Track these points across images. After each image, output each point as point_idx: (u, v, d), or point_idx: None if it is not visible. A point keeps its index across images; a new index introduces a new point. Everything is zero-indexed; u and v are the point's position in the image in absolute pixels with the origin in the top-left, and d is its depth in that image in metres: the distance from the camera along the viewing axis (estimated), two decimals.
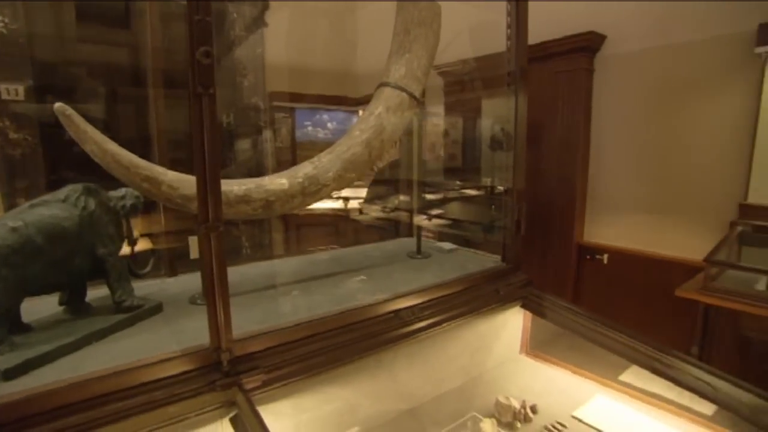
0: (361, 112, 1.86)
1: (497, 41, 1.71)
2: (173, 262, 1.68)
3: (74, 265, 1.07)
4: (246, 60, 3.65)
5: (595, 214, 3.42)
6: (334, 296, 1.39)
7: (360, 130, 1.47)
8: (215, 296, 0.98)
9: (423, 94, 1.61)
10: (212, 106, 0.93)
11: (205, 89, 0.91)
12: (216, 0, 0.92)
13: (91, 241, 1.09)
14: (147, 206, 1.29)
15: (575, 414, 1.37)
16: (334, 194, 1.57)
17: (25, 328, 1.04)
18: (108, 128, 1.08)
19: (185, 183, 1.19)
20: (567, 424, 1.32)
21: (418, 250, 1.91)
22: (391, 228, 3.47)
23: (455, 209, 3.56)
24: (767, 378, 1.98)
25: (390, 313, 1.34)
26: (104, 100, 3.05)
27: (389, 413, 1.36)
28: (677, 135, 2.92)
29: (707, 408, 1.27)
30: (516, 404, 1.33)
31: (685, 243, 2.88)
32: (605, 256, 3.32)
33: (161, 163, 1.20)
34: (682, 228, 2.94)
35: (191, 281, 1.43)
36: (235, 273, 1.52)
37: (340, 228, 4.41)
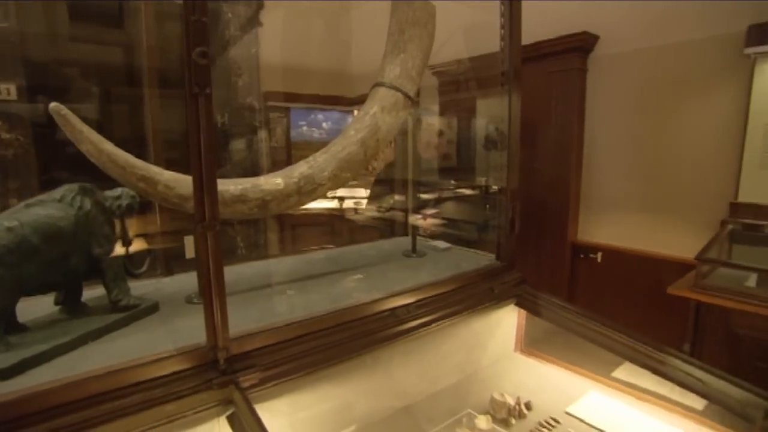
0: (356, 112, 1.87)
1: (491, 41, 1.73)
2: (169, 261, 1.68)
3: (70, 264, 1.07)
4: (241, 60, 3.64)
5: (588, 213, 3.45)
6: (330, 295, 1.40)
7: (355, 130, 1.48)
8: (212, 295, 0.98)
9: (418, 94, 1.62)
10: (208, 106, 0.93)
11: (202, 89, 0.92)
12: (211, 0, 0.93)
13: (87, 241, 1.09)
14: (142, 206, 1.29)
15: (569, 410, 1.38)
16: (330, 194, 1.58)
17: (21, 328, 1.04)
18: (102, 128, 1.07)
19: (181, 183, 1.19)
20: (561, 420, 1.33)
21: (413, 249, 1.92)
22: (387, 227, 3.49)
23: (450, 209, 3.58)
24: (757, 373, 2.02)
25: (386, 311, 1.35)
26: (98, 99, 3.04)
27: (385, 411, 1.37)
28: (669, 134, 2.95)
29: (698, 403, 1.30)
30: (511, 401, 1.35)
31: (677, 241, 2.91)
32: (599, 255, 3.36)
33: (157, 163, 1.20)
34: (674, 226, 2.97)
35: (187, 281, 1.43)
36: (231, 272, 1.52)
37: (336, 228, 4.41)
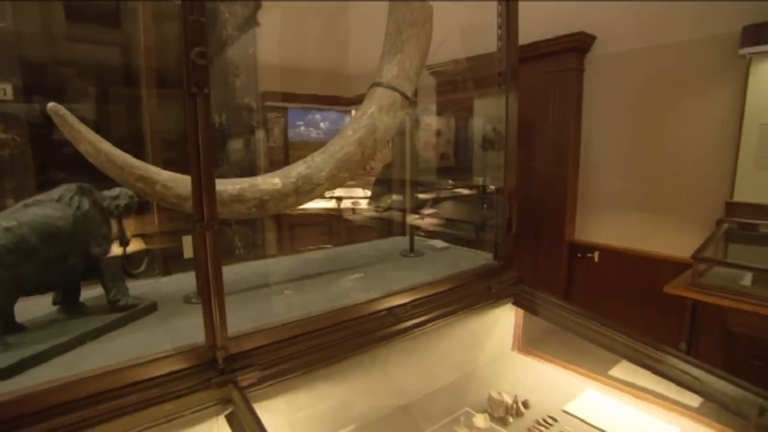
0: (353, 112, 1.87)
1: (488, 41, 1.73)
2: (167, 261, 1.68)
3: (68, 264, 1.07)
4: (238, 60, 3.64)
5: (585, 212, 3.46)
6: (328, 294, 1.40)
7: (353, 130, 1.49)
8: (210, 294, 0.99)
9: (415, 94, 1.62)
10: (207, 106, 0.93)
11: (200, 89, 0.92)
12: (209, 0, 0.93)
13: (86, 241, 1.09)
14: (140, 207, 1.29)
15: (566, 408, 1.39)
16: (327, 194, 1.58)
17: (19, 328, 1.04)
18: (99, 128, 1.08)
19: (179, 182, 1.19)
20: (558, 418, 1.34)
21: (411, 249, 1.92)
22: (384, 227, 3.49)
23: (448, 208, 3.59)
24: (752, 371, 2.03)
25: (383, 310, 1.35)
26: (95, 99, 3.03)
27: (383, 410, 1.38)
28: (665, 134, 2.96)
29: (694, 400, 1.31)
30: (508, 399, 1.35)
31: (674, 240, 2.93)
32: (596, 254, 3.37)
33: (154, 163, 1.21)
34: (670, 226, 2.99)
35: (185, 280, 1.43)
36: (229, 272, 1.52)
37: (333, 227, 4.42)
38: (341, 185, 1.54)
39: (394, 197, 3.22)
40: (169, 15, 3.14)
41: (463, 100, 3.91)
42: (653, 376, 1.32)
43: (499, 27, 1.67)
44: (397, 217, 2.90)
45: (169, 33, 3.11)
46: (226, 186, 1.26)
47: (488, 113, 3.42)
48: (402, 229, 2.49)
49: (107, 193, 1.19)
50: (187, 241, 1.31)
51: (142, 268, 1.33)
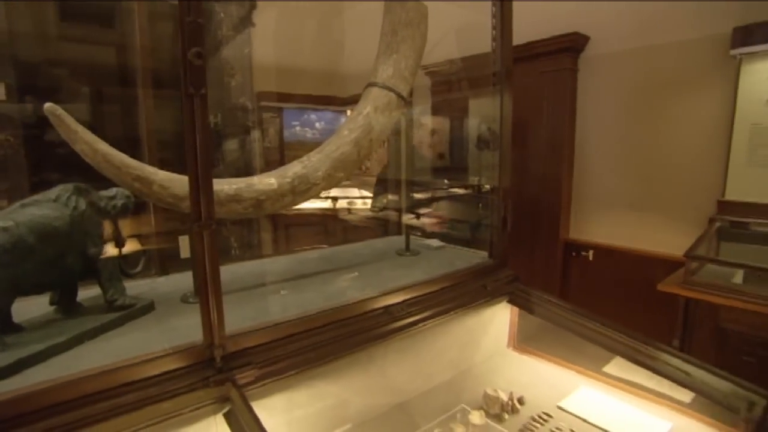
0: (349, 112, 1.88)
1: (483, 42, 1.75)
2: (164, 262, 1.69)
3: (66, 264, 1.07)
4: (233, 60, 3.63)
5: (580, 211, 3.49)
6: (325, 293, 1.41)
7: (349, 130, 1.49)
8: (208, 293, 0.99)
9: (411, 94, 1.63)
10: (204, 107, 0.94)
11: (197, 90, 0.92)
12: (205, 0, 0.94)
13: (83, 241, 1.10)
14: (137, 207, 1.30)
15: (561, 404, 1.41)
16: (323, 194, 1.59)
17: (17, 328, 1.04)
18: (94, 128, 1.08)
19: (176, 182, 1.20)
20: (553, 414, 1.36)
21: (407, 248, 1.93)
22: (380, 227, 3.50)
23: (443, 208, 3.60)
24: (743, 367, 2.06)
25: (380, 309, 1.36)
26: (90, 100, 3.02)
27: (380, 407, 1.39)
28: (658, 134, 2.99)
29: (686, 396, 1.33)
30: (504, 396, 1.37)
31: (667, 239, 2.96)
32: (591, 253, 3.40)
33: (150, 164, 1.21)
34: (663, 224, 3.02)
35: (182, 280, 1.43)
36: (226, 272, 1.53)
37: (329, 227, 4.42)
38: (337, 185, 1.54)
39: (390, 197, 3.24)
40: (163, 15, 3.13)
41: (458, 100, 3.93)
42: (646, 372, 1.34)
43: (494, 27, 1.69)
44: (393, 217, 2.92)
45: (163, 33, 3.10)
46: (223, 186, 1.27)
47: (483, 113, 3.44)
48: (398, 228, 2.50)
49: (104, 193, 1.20)
50: (184, 242, 1.32)
51: (139, 268, 1.33)
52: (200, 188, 0.96)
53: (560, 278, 3.53)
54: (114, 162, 1.12)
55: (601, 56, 3.21)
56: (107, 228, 1.22)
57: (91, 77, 3.04)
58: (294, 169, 1.40)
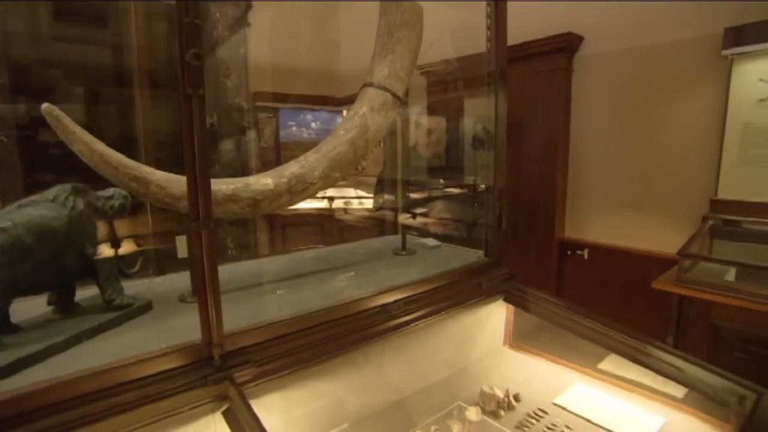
0: (345, 112, 1.89)
1: (478, 42, 1.76)
2: (161, 262, 1.69)
3: (64, 264, 1.08)
4: (229, 60, 3.64)
5: (575, 210, 3.51)
6: (322, 292, 1.42)
7: (345, 130, 1.50)
8: (206, 291, 1.00)
9: (406, 94, 1.64)
10: (202, 107, 0.95)
11: (195, 90, 0.93)
12: (202, 0, 0.94)
13: (80, 241, 1.10)
14: (134, 208, 1.30)
15: (556, 401, 1.42)
16: (319, 194, 1.60)
17: (14, 329, 1.04)
18: (90, 129, 1.08)
19: (173, 182, 1.20)
20: (548, 411, 1.37)
21: (403, 247, 1.95)
22: (376, 226, 3.51)
23: (439, 207, 3.61)
24: (736, 363, 2.08)
25: (376, 307, 1.37)
26: (85, 100, 3.01)
27: (377, 405, 1.40)
28: (652, 133, 3.02)
29: (678, 391, 1.35)
30: (500, 393, 1.38)
31: (661, 237, 2.99)
32: (586, 251, 3.42)
33: (146, 164, 1.21)
34: (657, 223, 3.05)
35: (179, 280, 1.44)
36: (223, 272, 1.53)
37: (326, 227, 4.43)
38: (333, 185, 1.55)
39: (387, 196, 3.25)
40: (158, 15, 3.13)
41: (453, 99, 3.94)
42: (640, 368, 1.36)
43: (488, 27, 1.70)
44: (389, 216, 2.93)
45: (158, 33, 3.09)
46: (220, 186, 1.28)
47: (478, 113, 3.45)
48: (394, 228, 2.52)
49: (101, 193, 1.20)
50: (181, 242, 1.33)
51: (136, 268, 1.33)
52: (198, 188, 0.97)
53: (555, 277, 3.55)
54: (111, 162, 1.12)
55: (595, 56, 3.23)
56: (104, 228, 1.22)
57: (87, 77, 3.03)
58: (291, 168, 1.41)
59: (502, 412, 1.36)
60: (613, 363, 1.55)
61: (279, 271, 1.69)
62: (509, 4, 1.69)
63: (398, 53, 1.59)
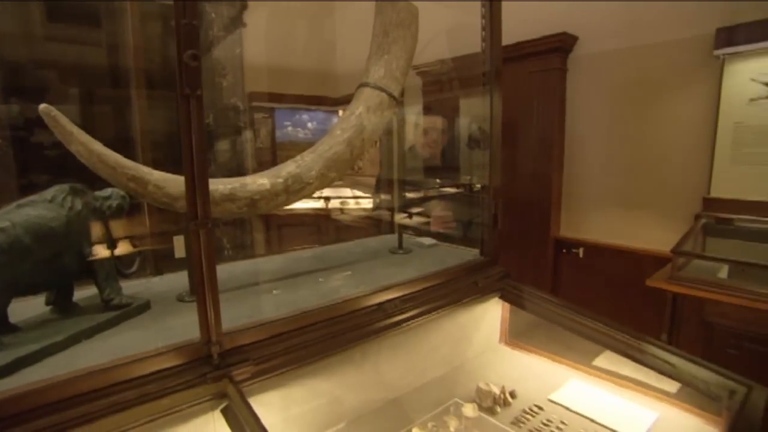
0: (341, 112, 1.90)
1: (473, 42, 1.78)
2: (158, 262, 1.69)
3: (62, 264, 1.08)
4: (225, 60, 3.63)
5: (570, 209, 3.53)
6: (319, 291, 1.43)
7: (341, 130, 1.51)
8: (205, 290, 1.01)
9: (402, 93, 1.66)
10: (199, 108, 0.96)
11: (193, 91, 0.94)
12: (199, 0, 0.95)
13: (79, 241, 1.10)
14: (132, 208, 1.31)
15: (551, 397, 1.44)
16: (316, 194, 1.60)
17: (13, 329, 1.05)
18: (86, 130, 1.09)
19: (170, 182, 1.21)
20: (544, 407, 1.39)
21: (400, 246, 1.96)
22: (373, 226, 3.52)
23: (435, 206, 3.63)
24: (729, 359, 2.11)
25: (373, 306, 1.39)
26: (82, 100, 3.00)
27: (374, 402, 1.41)
28: (645, 132, 3.05)
29: (672, 386, 1.37)
30: (496, 390, 1.40)
31: (655, 235, 3.02)
32: (581, 250, 3.44)
33: (143, 164, 1.22)
34: (651, 221, 3.07)
35: (177, 280, 1.44)
36: (220, 271, 1.53)
37: (322, 227, 4.43)
38: (330, 185, 1.56)
39: (383, 196, 3.26)
40: (153, 15, 3.12)
41: (449, 99, 3.96)
42: (634, 364, 1.38)
43: (483, 28, 1.72)
44: (386, 216, 2.94)
45: (153, 33, 3.09)
46: (218, 185, 1.28)
47: (474, 113, 3.47)
48: (390, 227, 2.53)
49: (99, 193, 1.21)
50: (179, 242, 1.33)
51: (134, 268, 1.34)
52: (196, 187, 0.98)
53: (551, 275, 3.58)
54: (109, 162, 1.13)
55: (590, 56, 3.26)
56: (100, 229, 1.22)
57: (83, 78, 3.02)
58: (288, 168, 1.42)
59: (499, 409, 1.37)
60: (607, 360, 1.56)
61: (276, 270, 1.69)
62: (504, 4, 1.70)
63: (394, 53, 1.61)
